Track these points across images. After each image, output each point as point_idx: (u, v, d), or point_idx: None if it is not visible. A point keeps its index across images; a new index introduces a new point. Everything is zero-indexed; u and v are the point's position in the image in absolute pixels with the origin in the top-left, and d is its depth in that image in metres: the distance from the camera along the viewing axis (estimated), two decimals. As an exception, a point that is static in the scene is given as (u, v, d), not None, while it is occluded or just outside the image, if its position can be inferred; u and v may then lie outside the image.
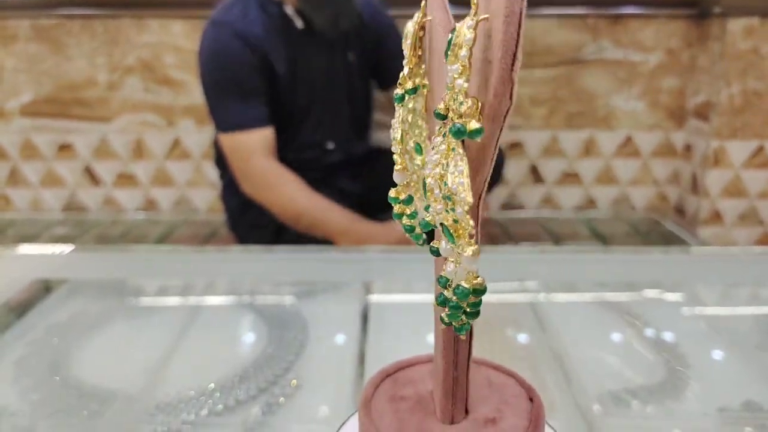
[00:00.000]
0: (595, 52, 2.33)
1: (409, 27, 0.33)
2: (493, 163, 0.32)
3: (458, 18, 0.30)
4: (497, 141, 0.30)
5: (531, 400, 0.39)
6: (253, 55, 1.56)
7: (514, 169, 2.46)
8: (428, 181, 0.30)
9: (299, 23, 1.60)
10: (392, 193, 0.35)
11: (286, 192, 1.64)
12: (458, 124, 0.28)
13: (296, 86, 1.65)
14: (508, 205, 2.50)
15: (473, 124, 0.28)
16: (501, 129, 0.29)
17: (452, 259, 0.31)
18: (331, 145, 1.76)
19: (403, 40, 0.34)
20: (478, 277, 0.31)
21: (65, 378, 0.70)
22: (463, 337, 0.35)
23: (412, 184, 0.35)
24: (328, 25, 1.61)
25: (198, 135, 2.44)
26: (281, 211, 1.65)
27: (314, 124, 1.71)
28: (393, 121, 0.35)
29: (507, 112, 0.29)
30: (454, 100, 0.29)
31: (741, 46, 2.12)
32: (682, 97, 2.37)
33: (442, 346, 0.36)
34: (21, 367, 0.73)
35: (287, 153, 1.70)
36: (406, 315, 0.87)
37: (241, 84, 1.58)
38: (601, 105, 2.39)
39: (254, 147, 1.61)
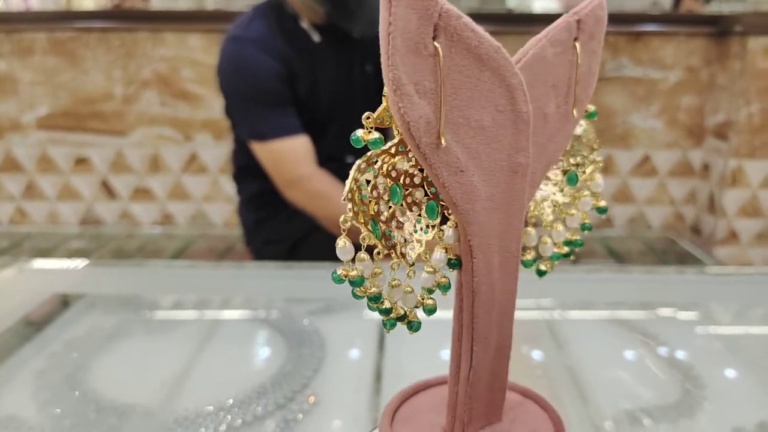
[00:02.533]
0: (615, 70, 2.33)
1: None
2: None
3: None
4: (434, 167, 0.31)
5: None
6: (280, 67, 1.55)
7: (530, 187, 2.46)
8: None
9: (316, 37, 1.60)
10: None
11: (339, 201, 1.58)
12: (356, 133, 0.31)
13: (317, 99, 1.64)
14: (524, 223, 2.50)
15: (372, 135, 0.31)
16: (425, 157, 0.30)
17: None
18: (350, 159, 1.76)
19: None
20: (353, 270, 0.33)
21: (84, 392, 0.70)
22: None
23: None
24: (365, 28, 1.58)
25: (215, 149, 2.45)
26: (334, 222, 1.59)
27: (334, 136, 1.70)
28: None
29: (417, 142, 0.30)
30: None
31: (761, 65, 2.12)
32: (700, 115, 2.37)
33: (450, 361, 0.37)
34: (40, 380, 0.73)
35: None
36: (423, 331, 0.87)
37: (274, 94, 1.57)
38: (620, 123, 2.39)
39: (300, 154, 1.59)
